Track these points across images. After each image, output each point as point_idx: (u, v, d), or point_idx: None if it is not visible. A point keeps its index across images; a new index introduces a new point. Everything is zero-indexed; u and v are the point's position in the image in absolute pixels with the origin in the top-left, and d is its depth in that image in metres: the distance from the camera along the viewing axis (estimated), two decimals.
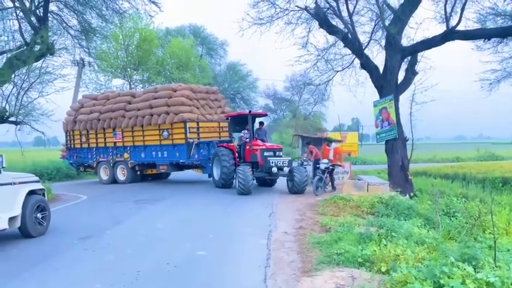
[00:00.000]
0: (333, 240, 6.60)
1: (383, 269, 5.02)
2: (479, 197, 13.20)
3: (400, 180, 13.79)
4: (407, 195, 12.83)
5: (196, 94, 16.53)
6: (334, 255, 5.74)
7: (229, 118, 15.43)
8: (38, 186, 8.25)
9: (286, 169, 12.97)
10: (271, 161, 12.88)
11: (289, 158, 13.80)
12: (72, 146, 18.89)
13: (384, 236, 6.41)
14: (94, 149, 18.05)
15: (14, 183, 7.47)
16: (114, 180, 17.36)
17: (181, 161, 15.54)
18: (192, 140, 15.20)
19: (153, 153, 16.36)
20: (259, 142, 13.83)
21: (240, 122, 14.72)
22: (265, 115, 17.95)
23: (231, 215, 9.78)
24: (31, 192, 7.86)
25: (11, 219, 7.27)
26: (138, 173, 17.33)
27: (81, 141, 18.49)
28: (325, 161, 13.51)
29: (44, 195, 8.40)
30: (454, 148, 39.65)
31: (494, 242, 5.36)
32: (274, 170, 12.82)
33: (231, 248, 6.76)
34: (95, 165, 18.12)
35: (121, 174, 17.34)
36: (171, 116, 15.35)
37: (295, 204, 10.84)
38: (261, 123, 15.29)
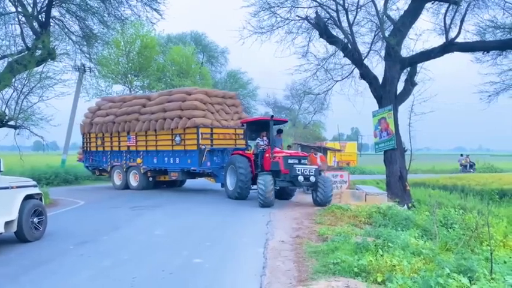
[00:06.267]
0: (330, 249, 6.58)
1: (379, 280, 5.02)
2: (477, 209, 13.19)
3: (398, 190, 13.82)
4: (405, 206, 12.83)
5: (212, 98, 15.63)
6: (330, 264, 5.72)
7: (246, 124, 14.41)
8: (35, 190, 8.23)
9: (312, 178, 11.78)
10: (297, 169, 11.74)
11: (316, 167, 12.53)
12: (88, 149, 18.59)
13: (381, 246, 6.39)
14: (109, 153, 17.67)
15: (11, 187, 7.46)
16: (127, 186, 16.89)
17: (192, 168, 14.73)
18: (203, 147, 14.39)
19: (165, 159, 15.70)
20: (277, 150, 12.84)
21: (257, 129, 13.79)
22: (286, 121, 17.25)
23: (229, 223, 9.74)
24: (28, 197, 7.84)
25: (7, 224, 7.26)
26: (151, 179, 16.63)
27: (96, 144, 18.16)
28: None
29: (41, 199, 8.39)
30: (453, 159, 39.67)
31: (491, 254, 5.37)
32: (301, 178, 11.65)
33: (228, 256, 6.74)
34: (109, 169, 17.71)
35: (133, 179, 16.84)
36: (184, 120, 14.71)
37: (293, 213, 10.81)
38: (280, 130, 14.44)
